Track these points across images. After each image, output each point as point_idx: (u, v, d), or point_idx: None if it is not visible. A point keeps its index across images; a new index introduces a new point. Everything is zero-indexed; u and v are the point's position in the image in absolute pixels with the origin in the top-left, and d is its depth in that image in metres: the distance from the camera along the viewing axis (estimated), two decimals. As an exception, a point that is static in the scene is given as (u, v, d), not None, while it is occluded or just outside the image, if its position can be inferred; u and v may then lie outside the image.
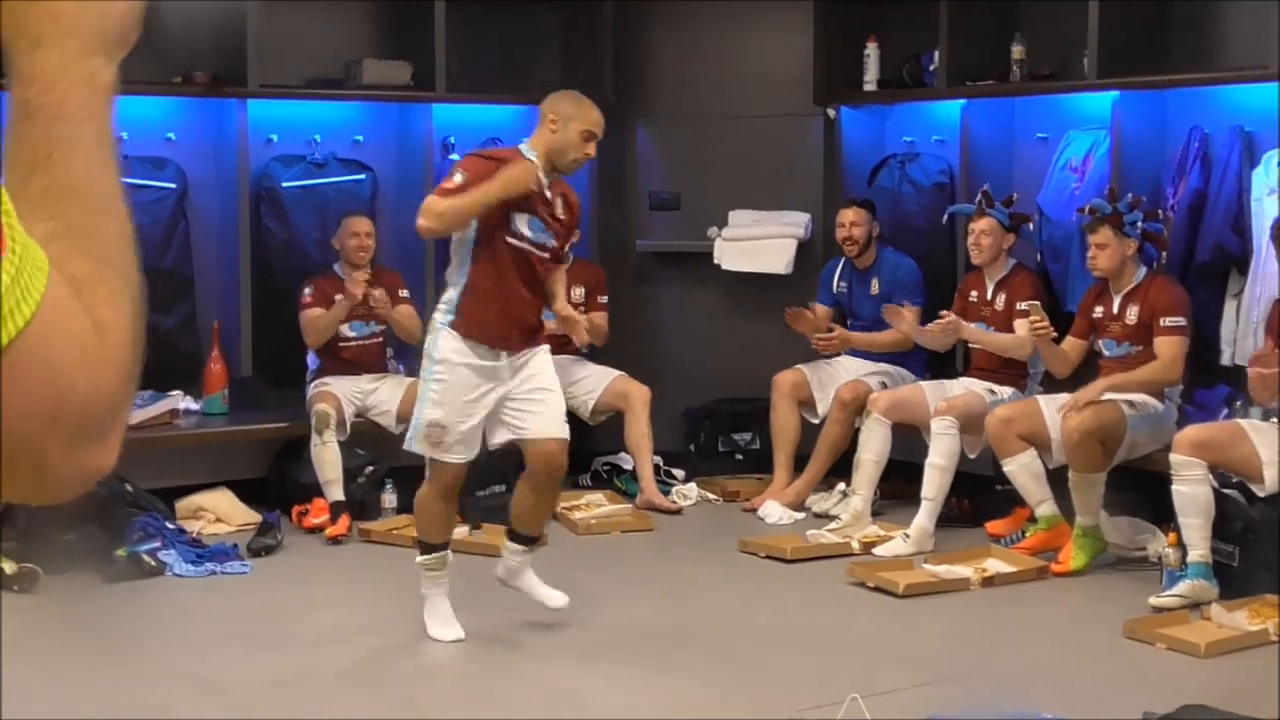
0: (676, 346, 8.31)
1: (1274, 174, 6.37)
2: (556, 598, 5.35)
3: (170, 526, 6.37)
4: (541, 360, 5.21)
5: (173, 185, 7.29)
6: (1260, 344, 6.01)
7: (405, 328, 7.08)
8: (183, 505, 6.82)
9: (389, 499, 7.04)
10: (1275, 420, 5.81)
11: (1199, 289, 6.54)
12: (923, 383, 7.06)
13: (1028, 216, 7.00)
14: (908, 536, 6.48)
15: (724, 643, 5.34)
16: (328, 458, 6.77)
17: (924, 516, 6.53)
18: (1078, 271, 6.82)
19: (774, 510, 7.11)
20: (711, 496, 7.56)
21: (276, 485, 7.10)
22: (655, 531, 6.97)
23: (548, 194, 5.17)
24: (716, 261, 8.10)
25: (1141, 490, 6.29)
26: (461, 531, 6.11)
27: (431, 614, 5.27)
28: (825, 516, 7.01)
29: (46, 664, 4.93)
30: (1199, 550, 5.62)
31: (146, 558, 6.06)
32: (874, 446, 6.83)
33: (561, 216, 5.24)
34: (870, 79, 7.85)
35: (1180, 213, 6.65)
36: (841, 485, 7.09)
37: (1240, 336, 6.46)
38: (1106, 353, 6.36)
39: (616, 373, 7.48)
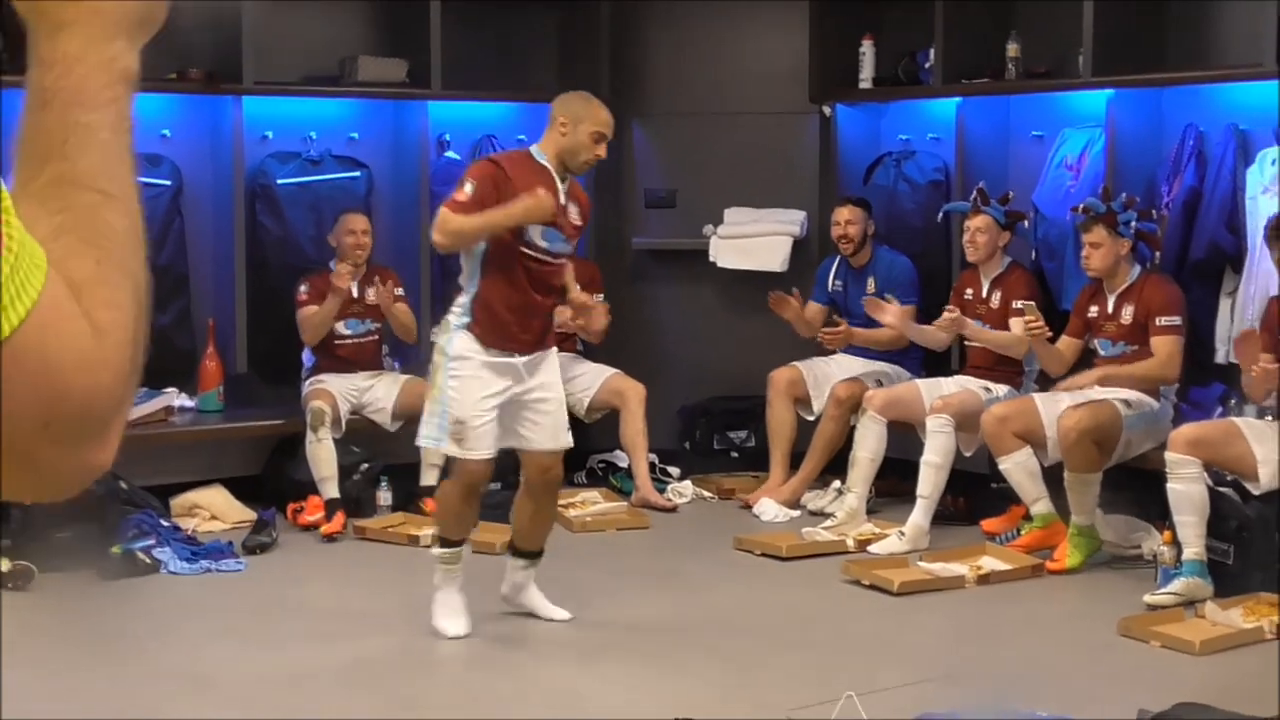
0: (672, 344, 8.31)
1: (1269, 172, 6.38)
2: (560, 614, 5.41)
3: (165, 524, 6.37)
4: (551, 366, 5.23)
5: (167, 182, 7.28)
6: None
7: (402, 324, 7.07)
8: (178, 503, 6.81)
9: (384, 496, 7.04)
10: (1270, 418, 5.82)
11: (1194, 287, 6.54)
12: (918, 381, 7.06)
13: (1023, 214, 7.00)
14: (903, 534, 6.48)
15: (719, 641, 5.34)
16: (323, 455, 6.77)
17: (919, 514, 6.53)
18: (1073, 270, 6.82)
19: (769, 508, 7.11)
20: (707, 494, 7.56)
21: (271, 482, 7.09)
22: (651, 529, 6.97)
23: (563, 199, 5.16)
24: (712, 259, 8.10)
25: (1136, 488, 6.29)
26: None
27: (442, 605, 5.26)
28: (820, 514, 7.01)
29: (41, 662, 4.92)
30: (1194, 548, 5.62)
31: (141, 555, 6.06)
32: (869, 444, 6.83)
33: (577, 222, 5.24)
34: (866, 77, 7.85)
35: (1175, 211, 6.65)
36: (837, 483, 7.09)
37: (1235, 335, 6.47)
38: (1102, 352, 6.37)
39: (612, 370, 7.48)
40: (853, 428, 6.99)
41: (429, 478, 6.92)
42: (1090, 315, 6.42)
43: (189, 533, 6.47)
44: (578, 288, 5.44)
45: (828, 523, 6.76)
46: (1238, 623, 5.32)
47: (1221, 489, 5.78)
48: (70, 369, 0.93)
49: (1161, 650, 5.15)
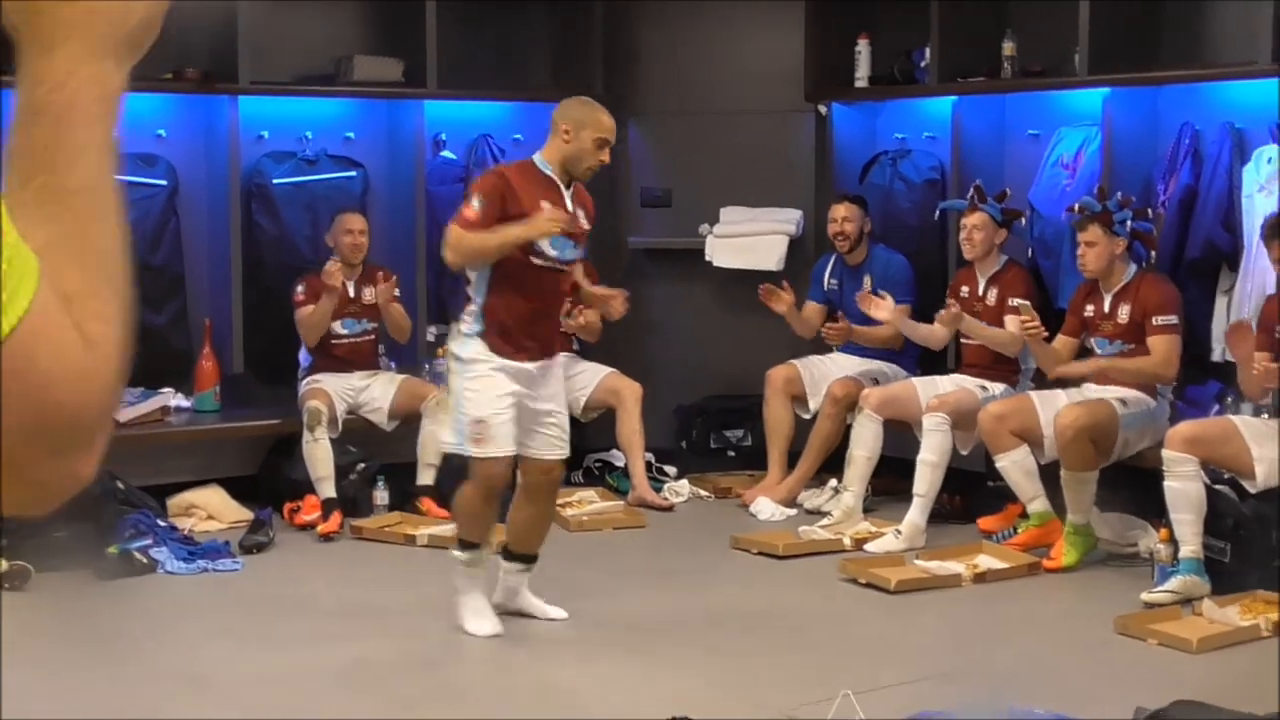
0: (668, 343, 8.31)
1: (1264, 170, 6.38)
2: (557, 613, 5.41)
3: (162, 524, 6.36)
4: (557, 378, 5.27)
5: (163, 182, 7.28)
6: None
7: (398, 324, 7.08)
8: (174, 502, 6.81)
9: (380, 496, 7.03)
10: (1266, 416, 5.83)
11: (1190, 285, 6.55)
12: (914, 379, 7.07)
13: (1020, 212, 7.00)
14: (899, 533, 6.48)
15: (716, 639, 5.34)
16: (319, 455, 6.77)
17: (916, 513, 6.53)
18: (1069, 268, 6.83)
19: (766, 507, 7.11)
20: (703, 493, 7.56)
21: (268, 482, 7.08)
22: (647, 528, 6.97)
23: (570, 207, 5.16)
24: (708, 258, 8.10)
25: (1133, 486, 6.29)
26: (449, 528, 6.10)
27: (468, 609, 5.26)
28: (817, 513, 7.01)
29: (38, 662, 4.92)
30: (1190, 546, 5.62)
31: (138, 555, 6.05)
32: (866, 443, 6.83)
33: (585, 226, 5.26)
34: (862, 75, 7.86)
35: (1171, 209, 6.66)
36: (833, 481, 7.09)
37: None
38: (1099, 351, 6.37)
39: (608, 369, 7.48)
40: (849, 426, 6.99)
41: (425, 477, 6.93)
42: (1086, 314, 6.42)
43: (186, 532, 6.46)
44: (587, 283, 5.46)
45: (824, 521, 6.76)
46: (1234, 621, 5.32)
47: (1218, 487, 5.78)
48: (60, 378, 0.93)
49: (1158, 648, 5.15)
